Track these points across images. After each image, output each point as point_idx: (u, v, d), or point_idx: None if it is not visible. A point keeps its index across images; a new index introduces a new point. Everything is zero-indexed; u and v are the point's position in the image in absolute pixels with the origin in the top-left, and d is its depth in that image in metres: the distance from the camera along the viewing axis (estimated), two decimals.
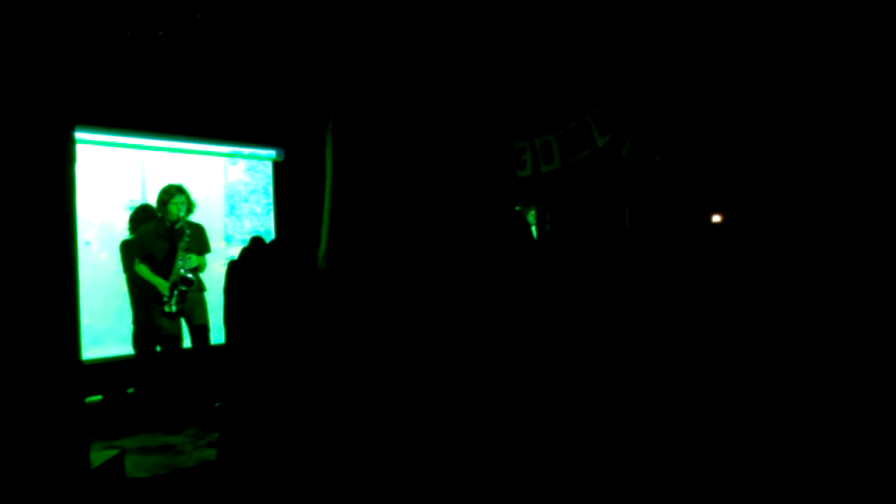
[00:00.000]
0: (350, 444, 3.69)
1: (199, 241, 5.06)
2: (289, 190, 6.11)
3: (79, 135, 4.80)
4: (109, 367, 5.16)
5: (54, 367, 3.12)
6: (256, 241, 4.31)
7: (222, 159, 6.00)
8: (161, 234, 4.94)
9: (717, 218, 4.82)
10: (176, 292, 4.87)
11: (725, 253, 4.45)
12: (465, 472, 3.38)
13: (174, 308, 4.86)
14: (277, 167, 6.15)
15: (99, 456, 3.62)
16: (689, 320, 3.57)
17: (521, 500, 3.18)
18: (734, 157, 4.86)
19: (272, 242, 4.32)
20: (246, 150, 5.97)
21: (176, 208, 4.90)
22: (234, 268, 4.21)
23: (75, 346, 3.31)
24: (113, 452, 3.75)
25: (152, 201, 5.14)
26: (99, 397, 5.02)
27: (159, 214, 4.98)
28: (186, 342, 5.06)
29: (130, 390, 5.12)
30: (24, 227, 3.02)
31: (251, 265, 4.12)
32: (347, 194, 5.25)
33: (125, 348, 5.20)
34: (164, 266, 4.88)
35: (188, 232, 4.94)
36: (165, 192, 4.95)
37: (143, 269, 4.89)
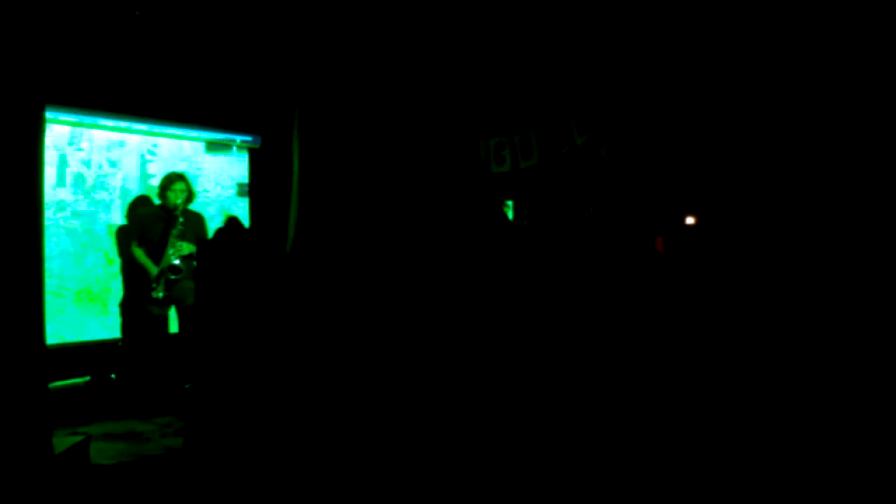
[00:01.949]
0: (317, 429, 3.68)
1: (195, 230, 5.03)
2: (264, 176, 6.08)
3: (54, 115, 4.79)
4: (85, 352, 5.13)
5: (16, 351, 3.06)
6: (232, 222, 4.28)
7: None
8: (158, 219, 4.95)
9: (690, 220, 4.87)
10: (163, 279, 4.85)
11: (700, 253, 4.50)
12: (429, 453, 3.39)
13: (161, 294, 4.85)
14: (254, 154, 6.10)
15: (63, 442, 3.58)
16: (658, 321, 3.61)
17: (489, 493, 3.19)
18: (710, 161, 4.91)
19: (242, 225, 4.30)
20: (223, 136, 5.92)
21: (174, 195, 4.89)
22: (205, 247, 4.18)
23: (40, 329, 3.25)
24: (77, 438, 3.71)
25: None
26: (64, 382, 4.96)
27: (159, 201, 4.99)
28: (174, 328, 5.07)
29: (87, 378, 5.07)
30: None
31: (223, 246, 4.08)
32: (313, 179, 5.30)
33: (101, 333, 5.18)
34: (156, 251, 4.89)
35: (181, 220, 4.92)
36: (166, 179, 4.97)
37: (139, 253, 4.91)
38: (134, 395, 4.85)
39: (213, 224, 5.54)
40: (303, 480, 3.43)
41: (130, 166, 5.53)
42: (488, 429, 3.47)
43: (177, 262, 4.87)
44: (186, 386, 4.90)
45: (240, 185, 6.12)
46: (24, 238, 3.11)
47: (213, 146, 5.98)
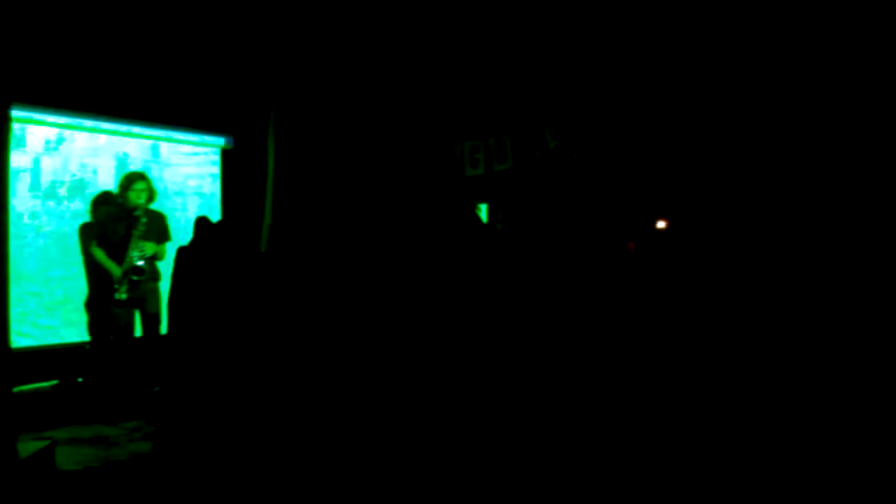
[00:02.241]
0: (295, 431, 3.66)
1: (158, 230, 4.95)
2: (237, 177, 6.04)
3: (20, 114, 4.69)
4: (52, 355, 5.04)
5: None
6: (202, 223, 4.24)
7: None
8: (119, 220, 4.84)
9: (661, 224, 4.92)
10: (126, 280, 4.76)
11: (671, 257, 4.55)
12: (398, 446, 3.38)
13: (124, 296, 4.75)
14: (226, 155, 6.06)
15: (28, 447, 3.51)
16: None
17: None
18: (681, 165, 4.97)
19: (217, 225, 4.26)
20: (196, 137, 5.86)
21: (136, 195, 4.80)
22: (183, 253, 4.14)
23: (4, 333, 3.19)
24: (42, 443, 3.64)
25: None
26: (31, 386, 4.87)
27: (119, 200, 4.89)
28: (139, 331, 4.97)
29: (54, 382, 4.98)
30: None
31: (199, 250, 4.05)
32: (288, 179, 5.30)
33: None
34: (119, 252, 4.78)
35: (144, 220, 4.82)
36: (126, 179, 4.87)
37: (99, 253, 4.81)
38: (101, 399, 4.76)
39: (184, 225, 5.49)
40: (276, 483, 3.40)
41: (104, 169, 5.43)
42: (456, 424, 3.48)
43: (140, 263, 4.78)
44: (155, 389, 4.83)
45: (211, 188, 6.06)
46: None
47: (184, 150, 5.91)
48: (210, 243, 4.08)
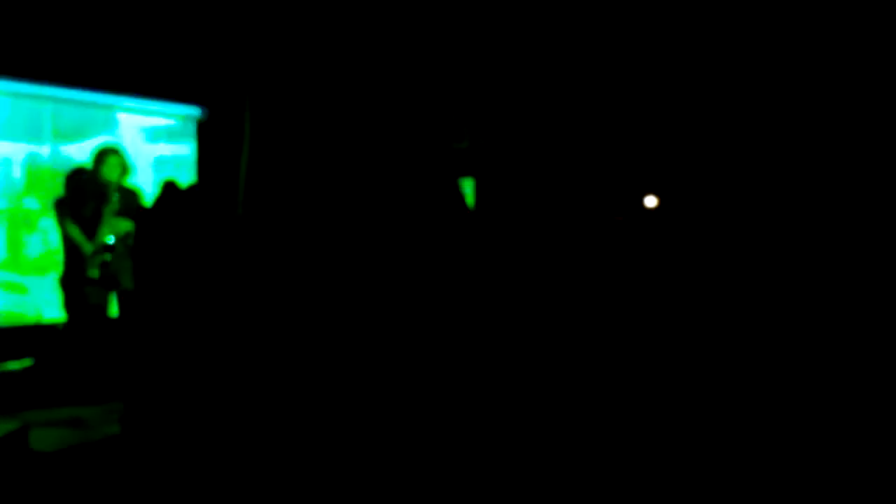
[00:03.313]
0: (267, 406, 3.58)
1: (131, 207, 4.75)
2: (210, 148, 5.91)
3: None
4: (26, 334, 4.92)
5: None
6: (169, 187, 4.08)
7: None
8: (92, 195, 4.67)
9: (651, 201, 4.91)
10: (98, 258, 4.62)
11: (661, 235, 4.54)
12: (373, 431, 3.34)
13: (96, 274, 4.62)
14: (200, 126, 5.92)
15: (1, 428, 3.42)
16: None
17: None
18: (670, 141, 4.95)
19: (190, 189, 4.13)
20: (169, 109, 5.73)
21: (109, 170, 4.64)
22: (145, 215, 3.99)
23: None
24: (15, 425, 3.54)
25: None
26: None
27: (94, 175, 4.71)
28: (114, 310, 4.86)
29: (29, 362, 4.85)
30: None
31: (164, 212, 3.91)
32: (264, 145, 5.23)
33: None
34: (92, 229, 4.65)
35: (116, 196, 4.66)
36: (99, 153, 4.71)
37: (73, 230, 4.65)
38: (76, 381, 4.65)
39: None
40: (247, 463, 3.34)
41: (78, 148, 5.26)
42: (442, 414, 3.43)
43: (111, 241, 4.64)
44: (125, 365, 4.73)
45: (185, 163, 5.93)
46: None
47: (159, 129, 5.76)
48: (181, 206, 3.94)
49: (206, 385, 3.64)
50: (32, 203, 5.10)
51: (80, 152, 5.24)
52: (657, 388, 3.47)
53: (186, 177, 5.86)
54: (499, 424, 3.34)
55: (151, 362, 3.79)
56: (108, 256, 4.64)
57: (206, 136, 5.92)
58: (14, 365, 4.77)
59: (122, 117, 5.56)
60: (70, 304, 4.80)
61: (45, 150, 5.14)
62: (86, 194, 4.70)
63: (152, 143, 5.76)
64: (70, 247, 4.73)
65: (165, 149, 5.84)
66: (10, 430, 3.43)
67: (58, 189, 5.05)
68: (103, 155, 4.69)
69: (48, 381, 4.71)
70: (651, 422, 3.30)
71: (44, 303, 5.08)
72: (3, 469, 3.21)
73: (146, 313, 3.88)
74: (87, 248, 4.62)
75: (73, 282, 4.73)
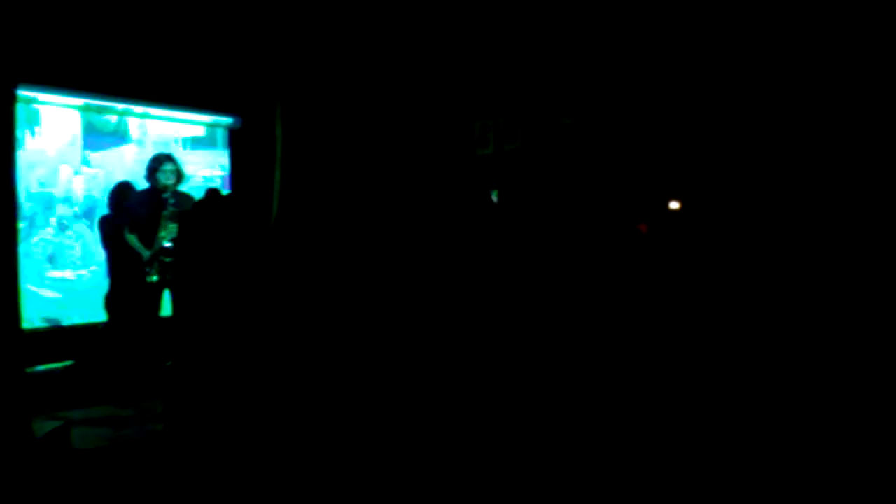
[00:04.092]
0: (301, 406, 3.66)
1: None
2: (245, 156, 6.03)
3: (28, 93, 4.67)
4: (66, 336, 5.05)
5: None
6: (212, 193, 4.23)
7: None
8: (149, 203, 4.80)
9: (675, 205, 4.88)
10: (156, 262, 4.70)
11: (685, 240, 4.51)
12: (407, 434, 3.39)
13: (156, 277, 4.70)
14: (233, 134, 6.04)
15: (43, 427, 3.54)
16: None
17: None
18: (696, 145, 4.91)
19: (227, 197, 4.26)
20: (204, 118, 5.85)
21: (164, 176, 4.77)
22: (185, 218, 4.12)
23: (16, 314, 3.20)
24: (57, 423, 3.67)
25: None
26: (48, 366, 4.89)
27: (148, 183, 4.86)
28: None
29: (68, 363, 4.99)
30: None
31: (205, 216, 4.03)
32: (298, 155, 5.29)
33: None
34: (148, 235, 4.75)
35: (172, 201, 4.77)
36: (155, 161, 4.85)
37: (132, 239, 4.77)
38: (117, 380, 4.77)
39: None
40: (282, 458, 3.41)
41: (114, 157, 5.41)
42: (462, 414, 3.48)
43: (169, 244, 4.70)
44: (168, 364, 4.84)
45: (224, 178, 6.05)
46: None
47: (196, 140, 5.90)
48: (219, 213, 4.06)
49: (238, 384, 3.75)
50: (70, 209, 5.24)
51: (117, 161, 5.42)
52: (683, 389, 3.47)
53: (218, 185, 6.01)
54: (529, 422, 3.38)
55: (191, 362, 3.92)
56: (166, 259, 4.69)
57: (240, 144, 6.04)
58: (55, 365, 4.90)
59: (158, 126, 5.72)
60: (123, 307, 4.90)
61: (80, 159, 5.30)
62: (142, 202, 4.82)
63: (187, 151, 5.90)
64: (125, 257, 4.83)
65: (200, 157, 5.98)
66: (53, 428, 3.55)
67: (97, 197, 5.22)
68: (159, 162, 4.82)
69: (89, 381, 4.85)
70: (664, 420, 3.31)
71: (85, 306, 5.22)
72: (46, 466, 3.32)
73: (186, 316, 4.01)
74: (146, 254, 4.72)
75: (128, 287, 4.82)
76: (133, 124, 5.57)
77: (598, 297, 3.61)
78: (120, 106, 5.37)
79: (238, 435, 3.62)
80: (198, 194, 5.38)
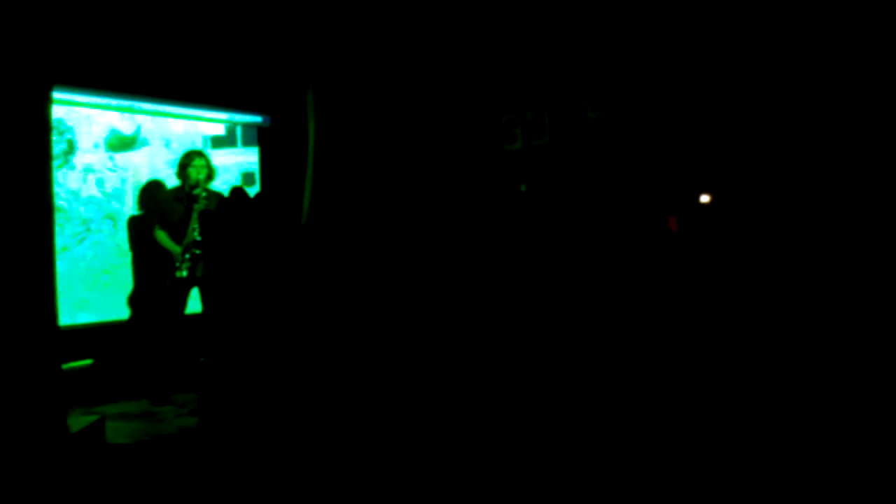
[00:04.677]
0: (329, 401, 3.69)
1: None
2: (274, 155, 6.07)
3: (59, 96, 4.75)
4: (103, 332, 5.11)
5: (31, 332, 3.08)
6: (237, 192, 4.26)
7: None
8: (179, 200, 4.84)
9: (705, 198, 4.79)
10: (188, 256, 4.71)
11: (715, 234, 4.44)
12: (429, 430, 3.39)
13: (185, 273, 4.70)
14: (263, 133, 6.10)
15: (79, 422, 3.61)
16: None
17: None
18: (726, 137, 4.82)
19: (257, 196, 4.28)
20: (234, 117, 5.89)
21: (196, 171, 4.80)
22: (206, 217, 4.16)
23: (53, 312, 3.27)
24: (93, 418, 3.74)
25: None
26: (81, 363, 4.97)
27: (179, 180, 4.91)
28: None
29: (89, 362, 5.07)
30: None
31: (229, 215, 4.07)
32: (329, 154, 5.28)
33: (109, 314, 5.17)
34: (180, 231, 4.77)
35: (204, 195, 4.80)
36: (186, 157, 4.89)
37: (161, 236, 4.80)
38: (151, 375, 4.85)
39: None
40: (312, 453, 3.44)
41: (141, 158, 5.48)
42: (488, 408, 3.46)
43: (199, 238, 4.72)
44: (201, 360, 4.89)
45: (245, 175, 6.09)
46: (36, 223, 3.11)
47: (217, 140, 5.95)
48: (244, 212, 4.09)
49: (270, 380, 3.79)
50: (98, 208, 5.31)
51: (142, 162, 5.47)
52: (711, 387, 3.41)
53: (245, 184, 6.07)
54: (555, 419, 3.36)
55: (224, 358, 3.96)
56: (196, 251, 4.73)
57: (270, 143, 6.09)
58: (88, 361, 4.98)
59: (186, 125, 5.76)
60: (149, 305, 4.98)
61: (106, 160, 5.33)
62: (173, 199, 4.87)
63: (215, 150, 5.96)
64: (153, 255, 4.88)
65: (229, 156, 6.04)
66: (89, 423, 3.62)
67: (122, 198, 5.28)
68: (190, 157, 4.87)
69: (122, 377, 4.93)
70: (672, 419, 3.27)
71: (114, 304, 5.29)
72: (82, 460, 3.39)
73: (219, 313, 4.06)
74: (177, 250, 4.73)
75: (156, 285, 4.88)
76: (158, 125, 5.60)
77: (626, 295, 3.57)
78: (149, 106, 5.42)
79: (270, 430, 3.65)
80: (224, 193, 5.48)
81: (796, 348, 3.43)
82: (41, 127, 3.21)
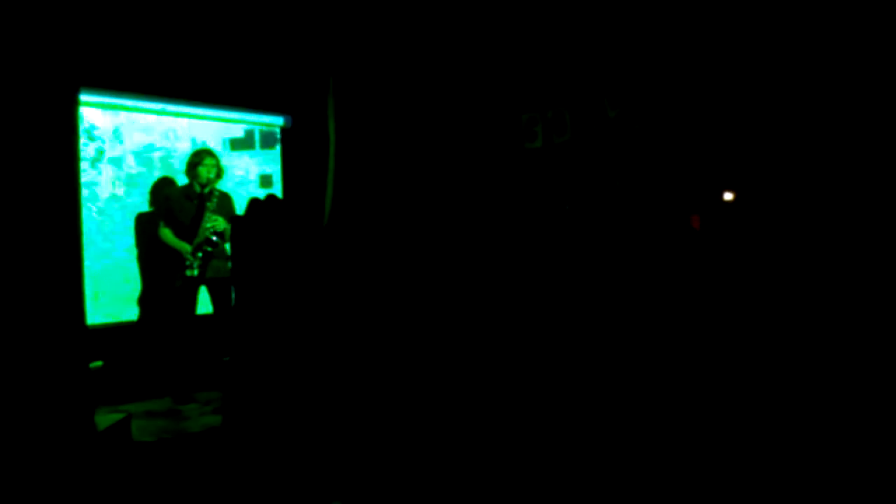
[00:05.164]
0: (354, 402, 3.70)
1: (226, 208, 4.94)
2: (295, 156, 6.10)
3: (84, 97, 4.80)
4: (116, 332, 5.15)
5: (60, 332, 3.13)
6: (270, 197, 4.30)
7: None
8: (188, 198, 4.84)
9: (729, 196, 4.74)
10: (200, 254, 4.73)
11: (739, 232, 4.39)
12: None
13: (196, 272, 4.72)
14: (285, 133, 6.13)
15: (105, 419, 3.67)
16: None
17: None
18: (750, 133, 4.76)
19: (280, 199, 4.32)
20: (255, 118, 5.93)
21: (206, 170, 4.81)
22: (238, 222, 4.20)
23: (80, 311, 3.32)
24: (119, 416, 3.80)
25: None
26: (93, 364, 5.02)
27: (187, 178, 4.92)
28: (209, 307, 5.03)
29: (122, 359, 5.12)
30: (28, 193, 3.00)
31: (258, 219, 4.10)
32: (350, 153, 5.29)
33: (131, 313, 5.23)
34: (189, 229, 4.79)
35: (217, 194, 4.85)
36: (196, 155, 4.89)
37: (167, 234, 4.80)
38: (163, 376, 4.90)
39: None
40: (339, 452, 3.45)
41: (156, 159, 5.52)
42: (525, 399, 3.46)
43: (214, 237, 4.77)
44: (225, 359, 4.93)
45: (262, 177, 6.12)
46: (64, 223, 3.16)
47: (236, 143, 5.99)
48: (273, 216, 4.12)
49: (295, 380, 3.81)
50: (115, 208, 5.34)
51: (159, 163, 5.51)
52: (736, 387, 3.38)
53: (262, 186, 6.11)
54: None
55: (250, 357, 4.00)
56: (209, 249, 4.76)
57: (291, 144, 6.12)
58: (107, 362, 5.01)
59: (207, 126, 5.79)
60: (159, 305, 5.03)
61: (123, 160, 5.37)
62: (180, 198, 4.88)
63: (234, 153, 6.00)
64: (160, 253, 4.90)
65: (249, 158, 6.08)
66: (115, 420, 3.67)
67: (137, 196, 5.32)
68: (201, 156, 4.87)
69: (140, 377, 4.99)
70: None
71: (130, 304, 5.32)
72: (108, 457, 3.43)
73: (246, 313, 4.09)
74: (187, 248, 4.75)
75: (163, 287, 4.92)
76: (177, 126, 5.62)
77: (649, 295, 3.54)
78: (171, 107, 5.46)
79: (294, 429, 3.68)
80: (236, 195, 5.50)
81: (823, 348, 3.39)
82: (69, 128, 3.26)
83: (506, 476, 3.11)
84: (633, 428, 3.27)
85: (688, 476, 2.95)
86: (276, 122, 6.04)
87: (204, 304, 4.92)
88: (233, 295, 4.95)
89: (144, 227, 5.22)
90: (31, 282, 3.01)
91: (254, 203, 4.17)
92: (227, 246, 4.93)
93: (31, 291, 3.01)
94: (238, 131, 6.01)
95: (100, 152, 5.22)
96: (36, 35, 3.05)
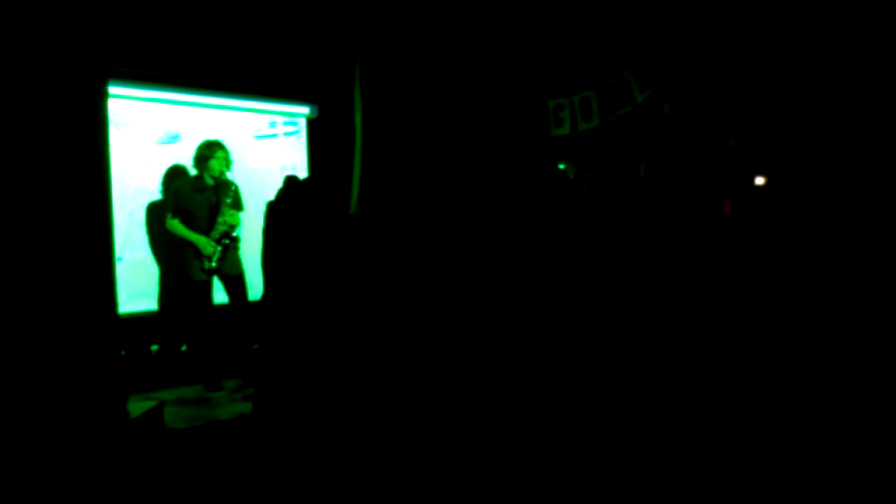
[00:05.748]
0: (385, 393, 3.70)
1: (236, 199, 5.00)
2: (323, 145, 6.10)
3: (111, 89, 4.82)
4: (144, 322, 5.21)
5: (92, 320, 3.18)
6: (291, 181, 4.31)
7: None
8: (198, 189, 4.86)
9: (760, 180, 4.65)
10: (220, 248, 4.78)
11: (770, 217, 4.30)
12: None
13: (214, 264, 4.77)
14: (311, 124, 6.13)
15: (138, 407, 3.73)
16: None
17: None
18: (782, 117, 4.65)
19: (305, 183, 4.32)
20: (281, 107, 5.94)
21: (218, 163, 4.83)
22: (272, 208, 4.22)
23: (112, 300, 3.37)
24: (152, 403, 3.86)
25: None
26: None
27: (196, 170, 4.92)
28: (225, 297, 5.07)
29: (156, 346, 5.18)
30: (58, 184, 3.05)
31: (289, 205, 4.12)
32: (377, 139, 5.27)
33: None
34: (202, 221, 4.81)
35: (234, 187, 4.88)
36: (206, 147, 4.88)
37: (175, 225, 4.80)
38: (194, 364, 4.96)
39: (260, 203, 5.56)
40: (370, 440, 3.46)
41: (179, 151, 5.46)
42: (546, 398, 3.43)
43: (234, 233, 4.82)
44: (254, 347, 4.98)
45: (286, 171, 6.11)
46: (94, 215, 3.20)
47: (259, 133, 5.99)
48: (300, 201, 4.13)
49: (326, 368, 3.83)
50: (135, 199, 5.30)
51: (181, 155, 5.43)
52: (774, 382, 3.32)
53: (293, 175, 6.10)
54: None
55: (280, 346, 4.03)
56: (227, 241, 4.81)
57: (318, 133, 6.12)
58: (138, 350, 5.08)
59: (232, 116, 5.76)
60: (175, 296, 5.06)
61: (147, 153, 5.37)
62: (191, 190, 4.86)
63: (262, 140, 6.01)
64: (172, 243, 4.91)
65: (275, 147, 6.09)
66: (148, 408, 3.73)
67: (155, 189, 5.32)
68: (212, 148, 4.86)
69: (172, 365, 5.06)
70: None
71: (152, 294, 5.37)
72: (141, 444, 3.49)
73: (275, 302, 4.11)
74: (203, 240, 4.76)
75: (180, 276, 4.90)
76: (203, 117, 5.57)
77: (678, 285, 3.48)
78: (199, 98, 5.46)
79: (325, 417, 3.70)
80: (255, 193, 5.48)
81: (856, 338, 3.31)
82: (98, 120, 3.30)
83: (522, 475, 3.09)
84: (653, 425, 3.23)
85: (704, 475, 2.91)
86: (302, 110, 6.03)
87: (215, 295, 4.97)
88: (247, 286, 5.04)
89: (156, 216, 5.21)
90: (63, 273, 3.06)
91: (283, 190, 4.17)
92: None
93: (63, 282, 3.06)
94: (261, 121, 5.99)
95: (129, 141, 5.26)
96: (63, 28, 3.08)
